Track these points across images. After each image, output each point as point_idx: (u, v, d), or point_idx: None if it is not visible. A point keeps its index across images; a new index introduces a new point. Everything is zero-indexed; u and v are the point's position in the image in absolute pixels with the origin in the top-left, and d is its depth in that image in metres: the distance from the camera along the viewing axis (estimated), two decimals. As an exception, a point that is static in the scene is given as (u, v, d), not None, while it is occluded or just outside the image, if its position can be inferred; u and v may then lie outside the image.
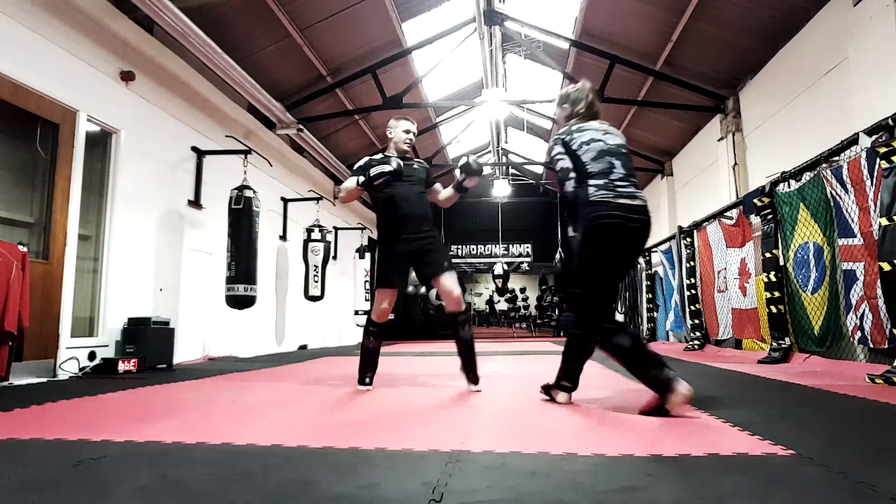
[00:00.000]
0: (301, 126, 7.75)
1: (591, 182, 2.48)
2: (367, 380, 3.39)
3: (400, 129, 3.41)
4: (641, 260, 10.68)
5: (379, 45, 7.91)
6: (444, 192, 3.44)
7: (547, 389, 2.80)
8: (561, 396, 2.72)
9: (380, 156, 3.41)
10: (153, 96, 5.50)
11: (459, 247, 16.31)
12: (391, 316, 3.41)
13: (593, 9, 7.26)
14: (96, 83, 4.76)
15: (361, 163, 3.36)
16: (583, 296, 2.52)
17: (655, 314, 9.98)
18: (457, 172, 3.30)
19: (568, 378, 2.74)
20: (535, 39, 8.75)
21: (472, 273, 19.53)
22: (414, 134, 3.45)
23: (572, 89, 2.79)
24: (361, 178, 3.19)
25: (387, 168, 3.14)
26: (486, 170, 3.34)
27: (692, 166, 9.42)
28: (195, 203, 6.16)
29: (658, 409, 2.29)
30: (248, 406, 2.75)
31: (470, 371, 3.25)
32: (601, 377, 4.10)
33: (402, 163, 3.22)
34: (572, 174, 2.52)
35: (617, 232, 2.42)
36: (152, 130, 5.47)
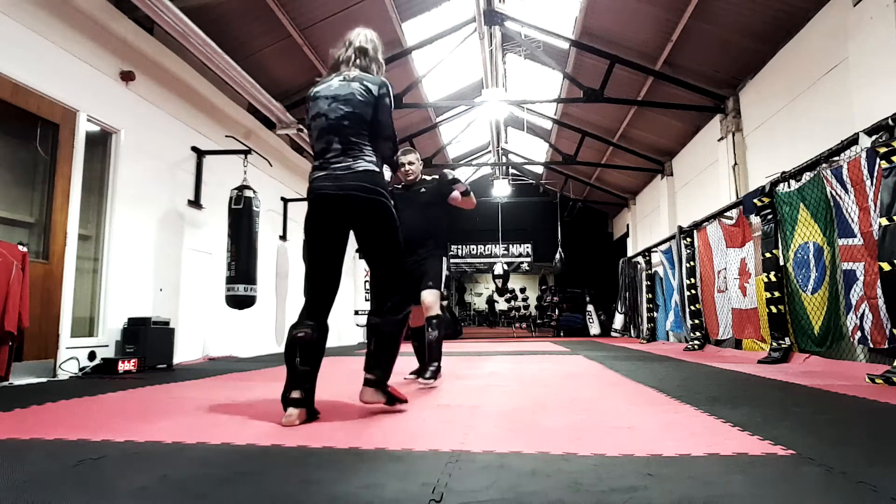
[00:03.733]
0: (301, 126, 7.75)
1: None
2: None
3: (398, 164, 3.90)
4: (641, 260, 10.70)
5: (379, 45, 7.91)
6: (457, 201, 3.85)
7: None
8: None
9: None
10: (153, 96, 5.49)
11: (459, 247, 16.30)
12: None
13: (593, 9, 7.26)
14: (96, 83, 4.76)
15: None
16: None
17: (655, 314, 9.98)
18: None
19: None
20: (535, 39, 8.75)
21: (472, 273, 19.53)
22: (410, 162, 3.82)
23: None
24: None
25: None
26: (457, 176, 4.40)
27: (692, 166, 9.42)
28: (195, 203, 6.16)
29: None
30: (248, 406, 2.75)
31: (423, 363, 3.77)
32: (600, 377, 4.10)
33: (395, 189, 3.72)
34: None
35: None
36: (152, 130, 5.47)
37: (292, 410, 2.17)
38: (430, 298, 3.64)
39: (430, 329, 3.61)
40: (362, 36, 2.55)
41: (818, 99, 5.67)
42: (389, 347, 2.40)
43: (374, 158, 2.40)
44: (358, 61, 2.49)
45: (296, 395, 2.19)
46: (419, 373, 3.80)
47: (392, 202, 2.45)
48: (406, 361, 4.09)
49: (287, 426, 2.12)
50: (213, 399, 3.02)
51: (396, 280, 2.46)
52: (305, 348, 2.26)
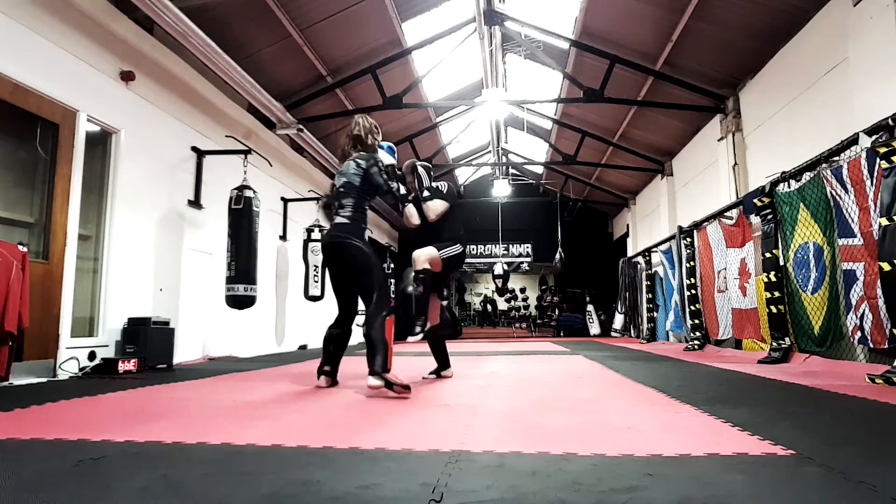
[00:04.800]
0: (301, 126, 7.75)
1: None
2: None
3: None
4: (641, 260, 10.70)
5: (379, 45, 7.91)
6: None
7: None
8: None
9: None
10: (153, 96, 5.49)
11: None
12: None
13: (593, 9, 7.25)
14: (96, 83, 4.76)
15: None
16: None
17: (655, 314, 9.98)
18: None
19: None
20: (535, 39, 8.74)
21: (472, 273, 19.53)
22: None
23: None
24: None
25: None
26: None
27: (692, 166, 9.42)
28: (195, 203, 6.16)
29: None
30: (248, 406, 2.75)
31: (439, 362, 4.12)
32: (600, 377, 4.10)
33: None
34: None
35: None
36: (152, 130, 5.46)
37: (323, 378, 3.44)
38: (417, 253, 3.61)
39: (414, 284, 3.55)
40: (358, 127, 3.47)
41: (818, 99, 5.67)
42: (373, 345, 3.08)
43: (349, 213, 3.31)
44: (357, 147, 3.46)
45: (326, 368, 3.46)
46: (437, 372, 4.05)
47: (359, 242, 3.27)
48: (426, 361, 4.08)
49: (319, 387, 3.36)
50: (213, 399, 3.02)
51: (365, 298, 3.26)
52: (335, 339, 3.46)
